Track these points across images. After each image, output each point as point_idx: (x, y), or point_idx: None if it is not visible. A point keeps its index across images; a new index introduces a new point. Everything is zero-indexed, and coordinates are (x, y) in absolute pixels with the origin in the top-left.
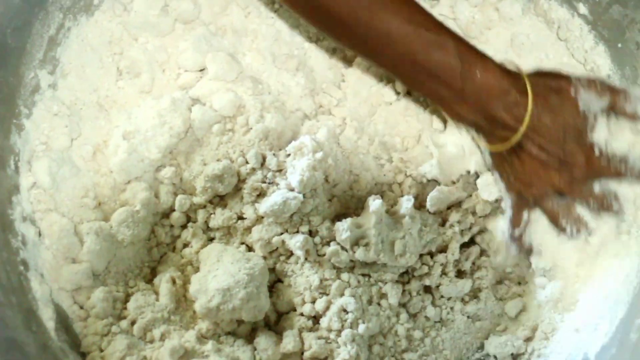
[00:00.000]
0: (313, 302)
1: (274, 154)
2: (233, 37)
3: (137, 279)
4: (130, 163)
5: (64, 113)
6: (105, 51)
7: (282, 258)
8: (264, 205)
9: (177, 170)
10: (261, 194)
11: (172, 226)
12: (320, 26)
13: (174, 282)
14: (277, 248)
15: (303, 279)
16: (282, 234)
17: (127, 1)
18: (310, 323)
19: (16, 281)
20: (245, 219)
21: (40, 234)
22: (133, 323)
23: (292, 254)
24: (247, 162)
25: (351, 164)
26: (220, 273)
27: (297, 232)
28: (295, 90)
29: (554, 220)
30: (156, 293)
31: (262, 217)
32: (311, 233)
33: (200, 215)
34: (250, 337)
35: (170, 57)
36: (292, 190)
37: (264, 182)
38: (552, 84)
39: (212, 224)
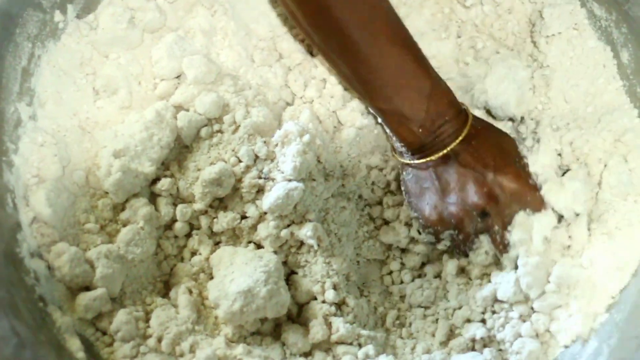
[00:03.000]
0: (334, 288)
1: (264, 142)
2: (204, 38)
3: (152, 295)
4: (126, 181)
5: (49, 142)
6: (78, 73)
7: (293, 250)
8: (267, 201)
9: (172, 180)
10: (260, 190)
11: (176, 237)
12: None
13: (190, 292)
14: (287, 240)
15: (319, 266)
16: (289, 225)
17: (91, 20)
18: (333, 309)
19: (39, 318)
20: (248, 217)
21: (50, 267)
22: (160, 340)
23: (302, 243)
24: (240, 161)
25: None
26: (237, 276)
27: (304, 221)
28: (274, 81)
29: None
30: (175, 306)
31: (266, 213)
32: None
33: (203, 221)
34: (275, 334)
35: (144, 69)
36: (289, 179)
37: (261, 178)
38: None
39: (216, 228)
